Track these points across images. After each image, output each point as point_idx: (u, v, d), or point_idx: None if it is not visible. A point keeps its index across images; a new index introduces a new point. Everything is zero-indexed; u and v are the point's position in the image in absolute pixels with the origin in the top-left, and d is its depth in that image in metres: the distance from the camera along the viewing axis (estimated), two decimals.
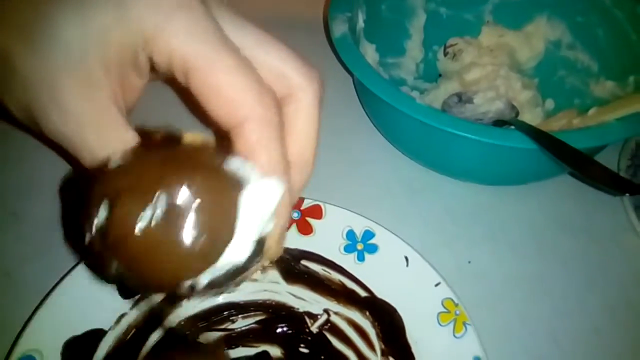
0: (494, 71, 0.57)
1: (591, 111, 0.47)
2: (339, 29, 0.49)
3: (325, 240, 0.42)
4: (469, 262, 0.46)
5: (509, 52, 0.60)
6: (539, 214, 0.50)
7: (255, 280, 0.42)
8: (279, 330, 0.42)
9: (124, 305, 0.40)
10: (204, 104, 0.25)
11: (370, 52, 0.54)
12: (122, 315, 0.39)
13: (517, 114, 0.54)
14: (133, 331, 0.39)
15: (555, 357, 0.42)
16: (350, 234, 0.42)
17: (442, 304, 0.38)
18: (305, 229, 0.43)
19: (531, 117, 0.55)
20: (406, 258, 0.40)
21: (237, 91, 0.24)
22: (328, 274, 0.42)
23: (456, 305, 0.38)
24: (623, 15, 0.52)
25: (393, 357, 0.39)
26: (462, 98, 0.55)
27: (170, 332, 0.41)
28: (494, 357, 0.38)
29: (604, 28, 0.54)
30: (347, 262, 0.41)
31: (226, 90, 0.24)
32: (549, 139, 0.40)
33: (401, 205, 0.48)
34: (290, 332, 0.42)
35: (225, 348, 0.41)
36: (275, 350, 0.41)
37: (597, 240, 0.48)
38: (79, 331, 0.38)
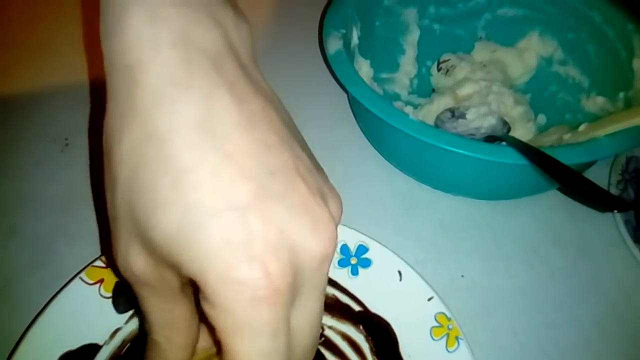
0: (486, 87, 0.58)
1: (582, 127, 0.48)
2: (334, 45, 0.49)
3: None
4: (462, 275, 0.46)
5: (501, 68, 0.60)
6: (531, 228, 0.50)
7: None
8: None
9: (118, 319, 0.40)
10: None
11: (364, 68, 0.54)
12: (117, 330, 0.39)
13: (509, 129, 0.55)
14: (127, 345, 0.40)
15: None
16: (344, 249, 0.43)
17: (435, 319, 0.39)
18: None
19: (523, 132, 0.56)
20: (399, 272, 0.41)
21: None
22: None
23: (449, 319, 0.38)
24: (613, 32, 0.53)
25: None
26: (455, 113, 0.56)
27: None
28: None
29: (594, 45, 0.55)
30: (341, 276, 0.42)
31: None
32: (539, 155, 0.40)
33: (395, 220, 0.49)
34: None
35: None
36: None
37: (588, 254, 0.49)
38: (74, 346, 0.38)
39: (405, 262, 0.41)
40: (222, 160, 0.23)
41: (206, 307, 0.24)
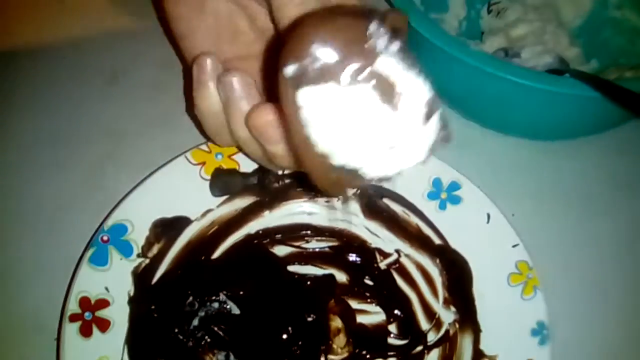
0: (541, 27, 0.56)
1: None
2: None
3: (411, 182, 0.43)
4: (513, 214, 0.44)
5: (554, 10, 0.58)
6: (585, 170, 0.50)
7: (336, 208, 0.44)
8: (349, 258, 0.43)
9: (212, 201, 0.42)
10: None
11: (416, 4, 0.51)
12: (208, 211, 0.42)
13: (568, 67, 0.53)
14: (215, 228, 0.42)
15: (600, 310, 0.43)
16: (437, 182, 0.43)
17: (516, 266, 0.39)
18: None
19: None
20: (488, 215, 0.41)
21: None
22: (407, 216, 0.43)
23: (530, 269, 0.39)
24: None
25: (455, 307, 0.40)
26: (508, 53, 0.54)
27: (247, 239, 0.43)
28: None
29: None
30: (428, 208, 0.42)
31: None
32: (610, 86, 0.39)
33: (442, 160, 0.44)
34: (359, 262, 0.43)
35: (296, 263, 0.43)
36: (341, 276, 0.43)
37: None
38: (169, 214, 0.41)
39: (497, 207, 0.41)
40: None
41: None
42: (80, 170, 0.46)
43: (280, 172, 0.43)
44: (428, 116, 0.22)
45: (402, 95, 0.21)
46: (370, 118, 0.22)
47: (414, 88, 0.22)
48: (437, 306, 0.41)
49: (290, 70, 0.21)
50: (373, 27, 0.21)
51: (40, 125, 0.48)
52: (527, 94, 0.43)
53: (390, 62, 0.21)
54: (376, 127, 0.22)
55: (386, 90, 0.21)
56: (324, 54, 0.21)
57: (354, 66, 0.21)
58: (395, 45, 0.21)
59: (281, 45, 0.22)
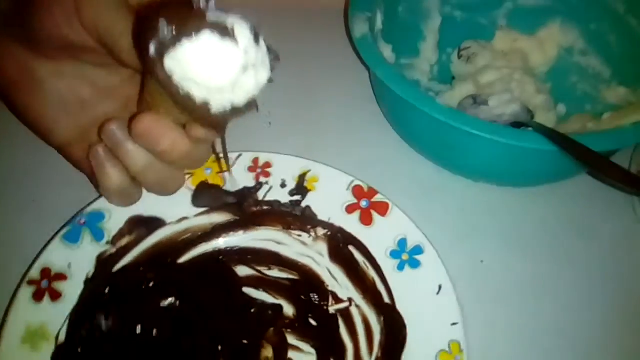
0: (508, 74, 0.57)
1: (606, 115, 0.48)
2: (360, 28, 0.49)
3: (378, 238, 0.44)
4: (482, 261, 0.48)
5: (522, 57, 0.60)
6: (550, 216, 0.51)
7: (306, 244, 0.46)
8: (302, 296, 0.44)
9: (190, 210, 0.46)
10: None
11: (386, 53, 0.54)
12: (185, 218, 0.45)
13: (533, 117, 0.54)
14: (188, 235, 0.45)
15: (563, 354, 0.43)
16: (402, 243, 0.44)
17: (449, 344, 0.39)
18: (366, 219, 0.45)
19: (544, 120, 0.55)
20: (440, 287, 0.41)
21: None
22: (366, 268, 0.44)
23: (461, 351, 0.38)
24: (637, 22, 0.52)
25: None
26: (477, 100, 0.55)
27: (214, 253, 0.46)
28: (502, 351, 0.42)
29: (616, 35, 0.54)
30: (387, 266, 0.43)
31: None
32: (568, 142, 0.41)
33: (414, 204, 0.48)
34: (310, 301, 0.44)
35: (252, 286, 0.45)
36: (289, 309, 0.44)
37: (606, 242, 0.49)
38: (146, 213, 0.44)
39: (450, 279, 0.41)
40: None
41: None
42: None
43: (259, 199, 0.46)
44: (257, 40, 0.29)
45: (233, 30, 0.28)
46: (220, 56, 0.28)
47: (238, 25, 0.28)
48: None
49: (152, 48, 0.29)
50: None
51: None
52: (489, 146, 0.44)
53: (214, 15, 0.28)
54: (228, 60, 0.29)
55: (221, 31, 0.28)
56: (169, 28, 0.28)
57: (191, 26, 0.28)
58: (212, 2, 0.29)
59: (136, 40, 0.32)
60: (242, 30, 0.29)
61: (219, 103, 0.30)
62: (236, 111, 0.31)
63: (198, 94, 0.30)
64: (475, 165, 0.50)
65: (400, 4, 0.58)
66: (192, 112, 0.31)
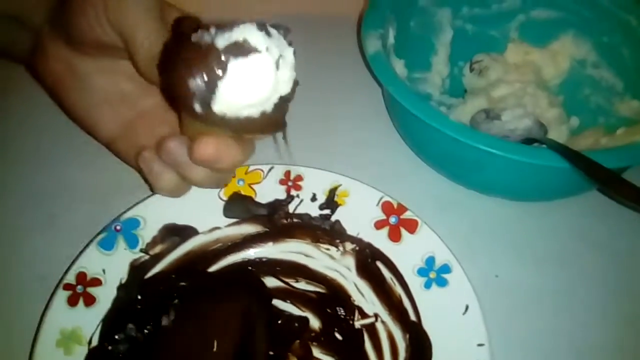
0: (521, 88, 0.58)
1: (619, 131, 0.49)
2: (373, 45, 0.50)
3: (406, 255, 0.45)
4: (496, 275, 0.48)
5: (534, 70, 0.60)
6: (563, 230, 0.52)
7: (334, 258, 0.46)
8: (328, 309, 0.45)
9: (222, 221, 0.46)
10: None
11: (399, 68, 0.55)
12: (216, 228, 0.46)
13: (546, 132, 0.55)
14: (218, 245, 0.46)
15: None
16: (430, 261, 0.44)
17: None
18: (395, 236, 0.46)
19: (557, 134, 0.56)
20: (467, 307, 0.41)
21: None
22: (393, 284, 0.44)
23: None
24: None
25: None
26: (489, 115, 0.56)
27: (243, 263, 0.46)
28: None
29: (629, 48, 0.55)
30: (414, 283, 0.44)
31: None
32: (581, 159, 0.41)
33: (427, 219, 0.47)
34: (336, 315, 0.45)
35: (280, 298, 0.45)
36: (315, 322, 0.45)
37: (619, 256, 0.50)
38: (180, 222, 0.45)
39: (478, 299, 0.41)
40: None
41: None
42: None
43: (290, 211, 0.47)
44: (267, 32, 0.30)
45: (247, 40, 0.29)
46: (254, 71, 0.30)
47: (248, 32, 0.30)
48: None
49: (197, 107, 0.31)
50: (198, 36, 0.30)
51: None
52: (501, 162, 0.45)
53: (222, 38, 0.29)
54: (262, 70, 0.30)
55: (240, 49, 0.29)
56: (198, 79, 0.30)
57: (216, 65, 0.29)
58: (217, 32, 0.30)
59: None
60: (253, 34, 0.30)
61: (271, 104, 0.32)
62: (286, 99, 0.32)
63: (254, 111, 0.31)
64: (487, 181, 0.51)
65: (412, 18, 0.59)
66: (252, 128, 0.33)
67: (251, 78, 0.30)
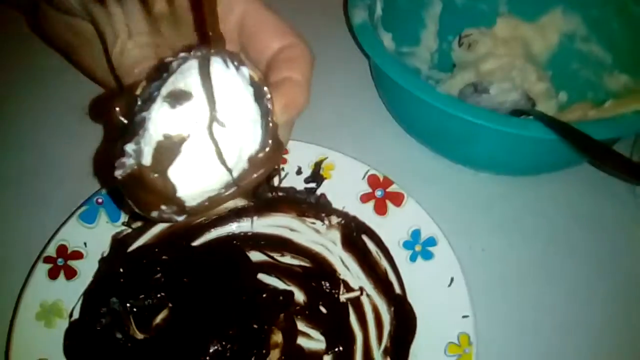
0: (509, 62, 0.57)
1: (607, 104, 0.48)
2: (359, 16, 0.49)
3: (392, 228, 0.44)
4: (483, 249, 0.48)
5: (523, 44, 0.60)
6: (550, 204, 0.52)
7: (319, 232, 0.46)
8: (313, 283, 0.45)
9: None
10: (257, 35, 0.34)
11: (386, 41, 0.54)
12: None
13: (534, 105, 0.55)
14: (202, 219, 0.46)
15: (564, 344, 0.44)
16: (415, 234, 0.44)
17: (458, 337, 0.39)
18: (380, 209, 0.45)
19: (545, 108, 0.55)
20: (452, 279, 0.41)
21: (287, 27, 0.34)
22: (378, 257, 0.44)
23: (470, 344, 0.38)
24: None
25: (391, 359, 0.41)
26: (477, 88, 0.56)
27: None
28: (502, 341, 0.42)
29: (619, 22, 0.54)
30: (400, 256, 0.43)
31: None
32: (569, 130, 0.41)
33: (413, 193, 0.46)
34: (321, 289, 0.44)
35: (264, 271, 0.45)
36: (299, 296, 0.44)
37: (606, 230, 0.50)
38: None
39: (462, 270, 0.41)
40: None
41: None
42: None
43: (275, 185, 0.46)
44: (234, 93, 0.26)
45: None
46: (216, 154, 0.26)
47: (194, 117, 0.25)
48: (377, 353, 0.42)
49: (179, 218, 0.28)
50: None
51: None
52: (489, 134, 0.45)
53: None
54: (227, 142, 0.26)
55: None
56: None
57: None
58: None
59: None
60: (174, 119, 0.25)
61: (238, 173, 0.27)
62: (262, 159, 0.28)
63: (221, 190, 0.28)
64: (475, 154, 0.50)
65: None
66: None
67: (192, 170, 0.26)
